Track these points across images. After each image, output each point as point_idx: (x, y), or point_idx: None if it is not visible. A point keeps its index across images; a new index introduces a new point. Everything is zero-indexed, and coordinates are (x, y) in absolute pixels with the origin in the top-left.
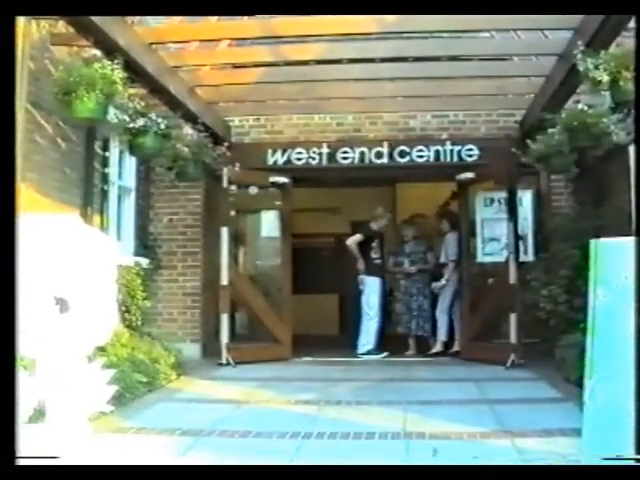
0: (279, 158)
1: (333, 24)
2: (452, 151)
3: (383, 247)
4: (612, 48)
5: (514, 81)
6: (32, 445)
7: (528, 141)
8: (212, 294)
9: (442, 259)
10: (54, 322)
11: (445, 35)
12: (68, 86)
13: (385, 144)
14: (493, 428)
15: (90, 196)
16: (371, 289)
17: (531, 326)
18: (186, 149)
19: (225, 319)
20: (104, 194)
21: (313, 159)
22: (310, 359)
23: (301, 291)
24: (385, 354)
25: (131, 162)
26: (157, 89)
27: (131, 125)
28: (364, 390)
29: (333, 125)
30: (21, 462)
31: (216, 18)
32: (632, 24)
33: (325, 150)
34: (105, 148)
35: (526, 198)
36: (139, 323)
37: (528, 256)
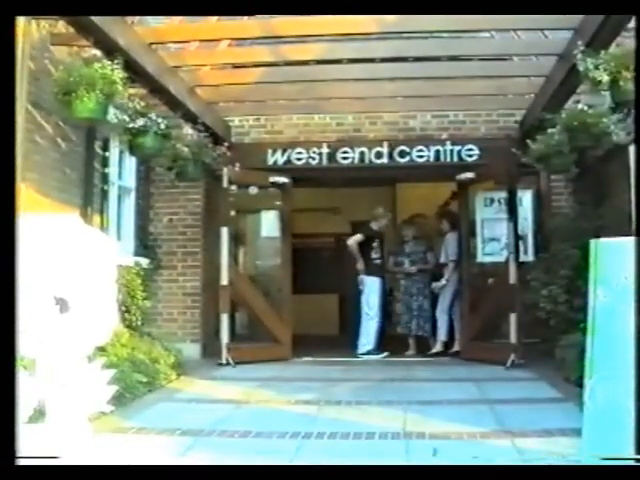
0: (279, 158)
1: (333, 24)
2: (452, 151)
3: (383, 247)
4: (612, 48)
5: (514, 81)
6: (32, 445)
7: (528, 141)
8: (212, 294)
9: (442, 259)
10: (54, 322)
11: (445, 35)
12: (68, 86)
13: (385, 144)
14: (493, 428)
15: (90, 196)
16: (371, 289)
17: (531, 326)
18: (186, 149)
19: (225, 319)
20: (104, 194)
21: (313, 159)
22: (310, 359)
23: (301, 291)
24: (385, 354)
25: (131, 162)
26: (157, 89)
27: (131, 125)
28: (364, 390)
29: (333, 125)
30: (21, 462)
31: (216, 18)
32: (632, 24)
33: (325, 150)
34: (105, 148)
35: (526, 198)
36: (139, 323)
37: (528, 256)
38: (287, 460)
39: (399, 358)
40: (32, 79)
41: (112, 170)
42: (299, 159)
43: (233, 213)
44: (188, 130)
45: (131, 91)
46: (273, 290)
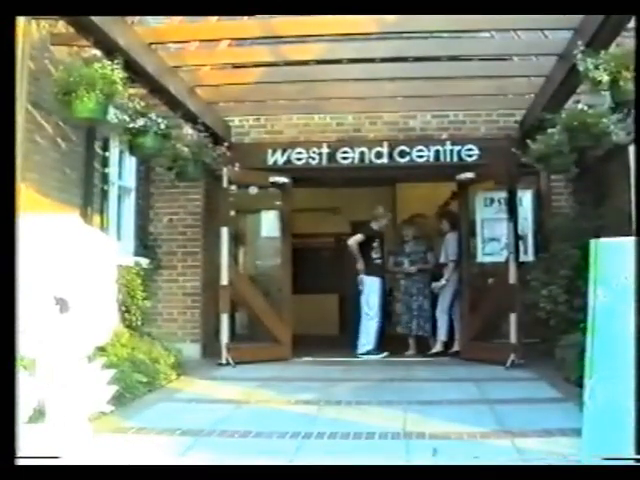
0: (279, 158)
1: (333, 24)
2: (452, 151)
3: (383, 247)
4: (612, 48)
5: (514, 81)
6: (32, 445)
7: (528, 141)
8: (212, 294)
9: (442, 259)
10: (54, 322)
11: (445, 35)
12: (68, 86)
13: (385, 144)
14: (493, 428)
15: (90, 196)
16: (371, 289)
17: (531, 326)
18: (186, 149)
19: (225, 319)
20: (104, 194)
21: (313, 159)
22: (310, 359)
23: (301, 291)
24: (385, 354)
25: (131, 162)
26: (157, 89)
27: (131, 125)
28: (364, 390)
29: (333, 125)
30: (21, 462)
31: (216, 18)
32: (632, 24)
33: (325, 150)
34: (105, 148)
35: (526, 198)
36: (139, 323)
37: (528, 256)
38: (287, 460)
39: (399, 358)
40: (32, 79)
41: (112, 170)
42: (299, 159)
43: (233, 213)
44: (188, 130)
45: (131, 91)
46: (273, 290)
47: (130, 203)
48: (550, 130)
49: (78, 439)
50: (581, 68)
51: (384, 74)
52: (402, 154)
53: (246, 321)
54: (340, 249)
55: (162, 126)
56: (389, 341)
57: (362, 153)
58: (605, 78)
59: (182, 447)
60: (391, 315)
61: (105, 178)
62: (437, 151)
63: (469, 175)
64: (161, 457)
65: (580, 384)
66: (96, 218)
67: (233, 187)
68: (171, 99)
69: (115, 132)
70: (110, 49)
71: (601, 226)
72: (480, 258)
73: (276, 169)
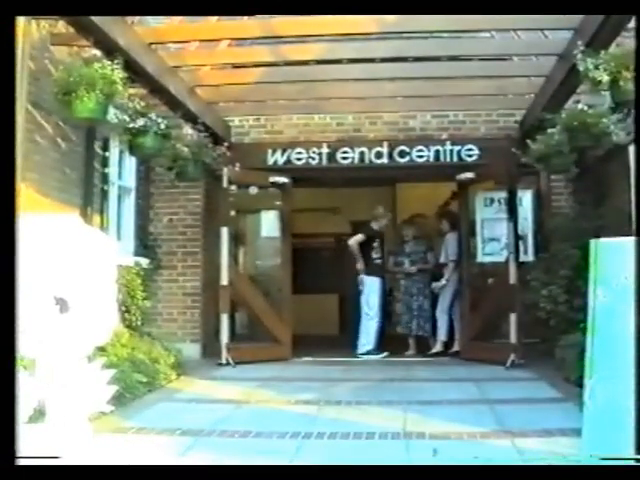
0: (279, 158)
1: (333, 24)
2: (452, 151)
3: (383, 247)
4: (612, 48)
5: (514, 81)
6: (32, 445)
7: (528, 141)
8: (212, 294)
9: (442, 259)
10: (54, 322)
11: (445, 35)
12: (68, 86)
13: (385, 144)
14: (493, 428)
15: (90, 196)
16: (371, 289)
17: (531, 326)
18: (186, 149)
19: (225, 319)
20: (104, 194)
21: (313, 159)
22: (310, 359)
23: (301, 291)
24: (385, 354)
25: (131, 162)
26: (157, 89)
27: (131, 125)
28: (364, 390)
29: (333, 125)
30: (21, 462)
31: (216, 18)
32: (632, 24)
33: (325, 150)
34: (105, 148)
35: (526, 198)
36: (139, 323)
37: (528, 256)
38: (287, 460)
39: (399, 358)
40: (32, 79)
41: (112, 170)
42: (299, 159)
43: (233, 213)
44: (188, 130)
45: (131, 91)
46: (273, 290)
47: (130, 203)
48: (550, 130)
49: (78, 439)
50: (581, 68)
51: (384, 74)
52: (402, 154)
53: (246, 321)
54: (340, 249)
55: (162, 126)
56: (389, 341)
57: (362, 153)
58: (605, 78)
59: (182, 447)
60: (391, 315)
61: (105, 178)
62: (437, 151)
63: (469, 175)
64: (161, 457)
65: (580, 384)
66: (96, 218)
67: (233, 187)
68: (171, 99)
69: (115, 132)
70: (110, 49)
71: (601, 226)
72: (480, 258)
73: (276, 169)
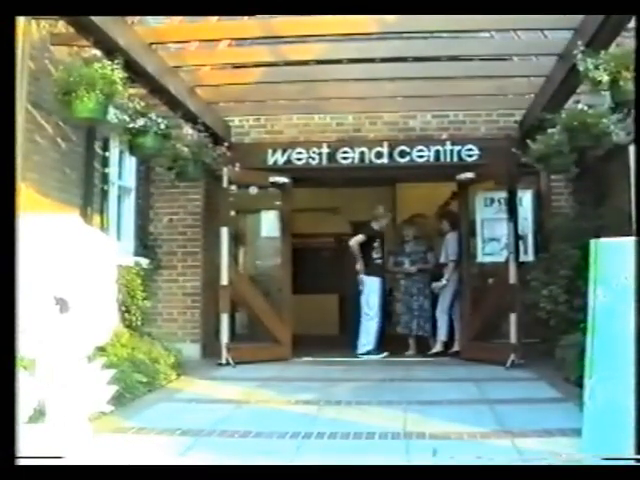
0: (279, 158)
1: (333, 24)
2: (452, 151)
3: (383, 247)
4: (612, 48)
5: (514, 81)
6: (32, 445)
7: (528, 141)
8: (212, 294)
9: (442, 259)
10: (54, 322)
11: (445, 35)
12: (68, 86)
13: (385, 144)
14: (493, 428)
15: (90, 196)
16: (371, 289)
17: (531, 326)
18: (186, 149)
19: (225, 319)
20: (104, 194)
21: (313, 159)
22: (310, 359)
23: (301, 291)
24: (385, 354)
25: (131, 162)
26: (157, 89)
27: (131, 125)
28: (364, 390)
29: (333, 125)
30: (21, 462)
31: (216, 18)
32: (632, 24)
33: (325, 150)
34: (105, 148)
35: (526, 198)
36: (139, 323)
37: (528, 256)
38: (287, 460)
39: (399, 358)
40: (32, 79)
41: (112, 170)
42: (299, 159)
43: (233, 213)
44: (188, 130)
45: (131, 91)
46: (273, 290)
47: (130, 203)
48: (550, 130)
49: (78, 439)
50: (581, 68)
51: (384, 74)
52: (402, 154)
53: (246, 321)
54: (340, 249)
55: (162, 126)
56: (389, 341)
57: (362, 153)
58: (605, 78)
59: (182, 447)
60: (391, 315)
61: (105, 178)
62: (437, 151)
63: (469, 175)
64: (161, 457)
65: (580, 384)
66: (96, 218)
67: (233, 187)
68: (171, 99)
69: (115, 132)
70: (110, 49)
71: (601, 226)
72: (480, 258)
73: (276, 169)
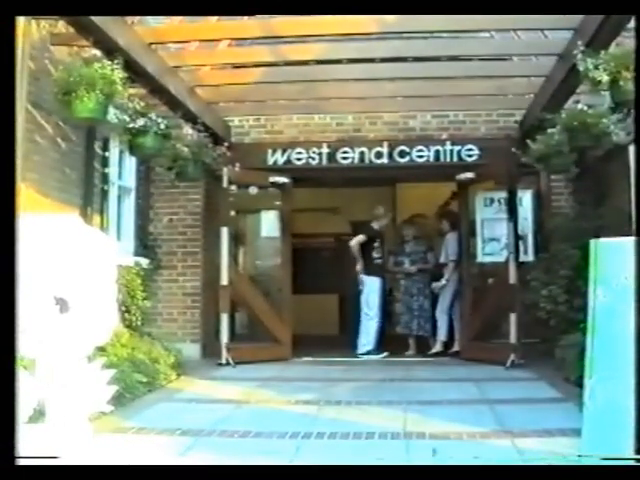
0: (279, 158)
1: (333, 24)
2: (452, 151)
3: (383, 247)
4: (612, 48)
5: (514, 81)
6: (32, 445)
7: (528, 141)
8: (212, 294)
9: (442, 259)
10: (54, 322)
11: (445, 35)
12: (68, 86)
13: (385, 144)
14: (493, 428)
15: (90, 196)
16: (371, 289)
17: (531, 326)
18: (186, 149)
19: (225, 319)
20: (104, 194)
21: (313, 159)
22: (310, 359)
23: (301, 291)
24: (385, 354)
25: (131, 162)
26: (157, 89)
27: (131, 125)
28: (364, 390)
29: (333, 125)
30: (21, 462)
31: (216, 18)
32: (632, 24)
33: (325, 150)
34: (105, 148)
35: (526, 198)
36: (139, 323)
37: (528, 256)
38: (287, 460)
39: (399, 358)
40: (32, 79)
41: (112, 170)
42: (299, 159)
43: (233, 213)
44: (188, 130)
45: (131, 91)
46: (273, 290)
47: (130, 203)
48: (550, 130)
49: (78, 439)
50: (581, 68)
51: (384, 74)
52: (402, 154)
53: (246, 321)
54: (340, 249)
55: (162, 126)
56: (389, 341)
57: (362, 153)
58: (605, 78)
59: (182, 447)
60: (391, 315)
61: (105, 178)
62: (437, 151)
63: (469, 175)
64: (161, 457)
65: (580, 384)
66: (96, 218)
67: (233, 187)
68: (171, 99)
69: (115, 132)
70: (110, 49)
71: (601, 226)
72: (480, 258)
73: (276, 169)
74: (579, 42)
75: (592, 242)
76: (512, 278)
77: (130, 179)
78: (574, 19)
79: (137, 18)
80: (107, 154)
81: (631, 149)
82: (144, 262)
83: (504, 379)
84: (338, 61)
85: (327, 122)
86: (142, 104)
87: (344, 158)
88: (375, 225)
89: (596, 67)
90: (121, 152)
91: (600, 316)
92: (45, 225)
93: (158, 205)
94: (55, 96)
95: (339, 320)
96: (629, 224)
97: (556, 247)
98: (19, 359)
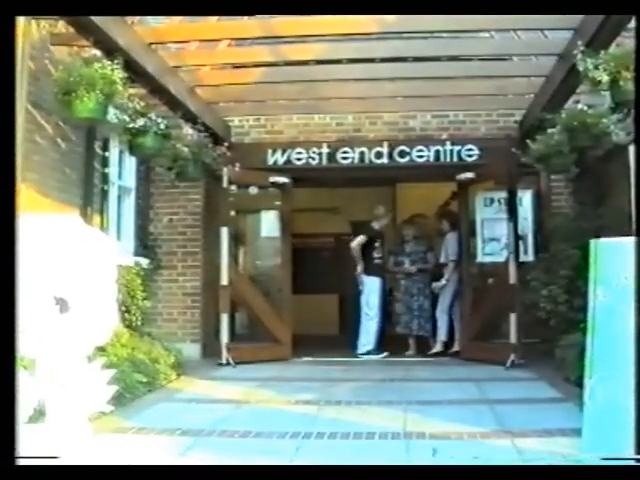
0: (279, 158)
1: (333, 24)
2: (452, 151)
3: (383, 247)
4: (612, 48)
5: (514, 81)
6: (32, 445)
7: (528, 141)
8: (212, 294)
9: (442, 259)
10: (54, 322)
11: (445, 35)
12: (68, 86)
13: (385, 144)
14: (493, 428)
15: (90, 196)
16: (371, 289)
17: (531, 326)
18: (186, 149)
19: (225, 319)
20: (104, 194)
21: (313, 159)
22: (310, 359)
23: (301, 291)
24: (385, 354)
25: (131, 162)
26: (157, 89)
27: (131, 125)
28: (364, 390)
29: (333, 125)
30: (21, 462)
31: (216, 18)
32: (632, 24)
33: (325, 150)
34: (105, 148)
35: (526, 198)
36: (139, 323)
37: (528, 256)
38: (287, 460)
39: (399, 358)
40: (32, 79)
41: (112, 170)
42: (299, 159)
43: (233, 213)
44: (188, 130)
45: (131, 91)
46: (273, 290)
47: (130, 203)
48: (550, 130)
49: (78, 439)
50: (581, 68)
51: (384, 74)
52: (402, 154)
53: (246, 321)
54: (340, 249)
55: (162, 126)
56: (389, 341)
57: (362, 153)
58: (605, 78)
59: (182, 447)
60: (391, 315)
61: (105, 178)
62: (437, 151)
63: (469, 175)
64: (161, 457)
65: (580, 384)
66: (96, 218)
67: (233, 187)
68: (171, 99)
69: (115, 132)
70: (110, 49)
71: (601, 226)
72: (480, 258)
73: (276, 169)
74: (579, 42)
75: (592, 242)
76: (512, 278)
77: (130, 179)
78: (574, 19)
79: (137, 18)
80: (107, 154)
81: (631, 149)
82: (144, 262)
83: (504, 379)
84: (338, 61)
85: (327, 122)
86: (142, 104)
87: (344, 158)
88: (375, 225)
89: (596, 67)
90: (121, 152)
91: (600, 316)
92: (45, 225)
93: (158, 205)
94: (55, 96)
95: (339, 320)
96: (629, 224)
97: (556, 247)
98: (19, 359)
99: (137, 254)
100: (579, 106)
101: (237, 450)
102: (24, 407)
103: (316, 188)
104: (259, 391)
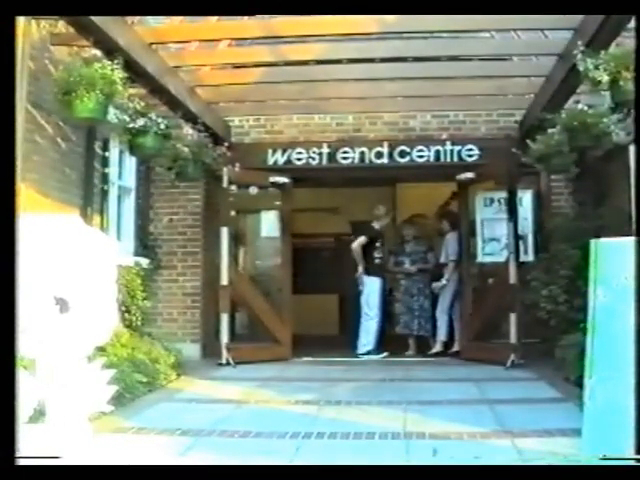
0: (279, 158)
1: (333, 24)
2: (452, 151)
3: (384, 247)
4: (612, 48)
5: (514, 81)
6: (32, 445)
7: (528, 141)
8: (212, 294)
9: (442, 259)
10: (54, 322)
11: (445, 35)
12: (68, 86)
13: (385, 144)
14: (493, 428)
15: (90, 196)
16: (371, 289)
17: (531, 326)
18: (186, 149)
19: (225, 319)
20: (104, 194)
21: (313, 159)
22: (310, 359)
23: (301, 291)
24: (385, 354)
25: (131, 162)
26: (157, 89)
27: (131, 125)
28: (364, 390)
29: (333, 125)
30: (21, 462)
31: (216, 18)
32: (632, 24)
33: (325, 150)
34: (105, 148)
35: (526, 198)
36: (139, 323)
37: (528, 256)
38: (287, 460)
39: (399, 358)
40: (32, 79)
41: (112, 170)
42: (299, 159)
43: (233, 213)
44: (188, 130)
45: (131, 91)
46: (273, 290)
47: (130, 203)
48: (550, 130)
49: (78, 439)
50: (581, 68)
51: (384, 74)
52: (402, 154)
53: (246, 321)
54: (340, 249)
55: (162, 126)
56: (389, 341)
57: (362, 153)
58: (605, 78)
59: (182, 447)
60: (391, 315)
61: (105, 178)
62: (437, 151)
63: (469, 175)
64: (161, 457)
65: (580, 384)
66: (96, 218)
67: (233, 187)
68: (171, 99)
69: (115, 132)
70: (110, 49)
71: (601, 226)
72: (480, 258)
73: (276, 169)
74: (579, 42)
75: (592, 242)
76: (512, 278)
77: (130, 179)
78: (574, 19)
79: (137, 18)
80: (107, 154)
81: (631, 149)
82: (144, 262)
83: (504, 379)
84: (338, 61)
85: (327, 122)
86: (142, 104)
87: (344, 158)
88: (376, 225)
89: (596, 67)
90: (121, 152)
91: (600, 316)
92: (45, 225)
93: (158, 205)
94: (55, 96)
95: (339, 320)
96: (629, 224)
97: (556, 247)
98: (19, 359)
99: (137, 254)
100: (579, 106)
101: (237, 450)
102: (24, 407)
103: (316, 188)
104: (259, 391)
